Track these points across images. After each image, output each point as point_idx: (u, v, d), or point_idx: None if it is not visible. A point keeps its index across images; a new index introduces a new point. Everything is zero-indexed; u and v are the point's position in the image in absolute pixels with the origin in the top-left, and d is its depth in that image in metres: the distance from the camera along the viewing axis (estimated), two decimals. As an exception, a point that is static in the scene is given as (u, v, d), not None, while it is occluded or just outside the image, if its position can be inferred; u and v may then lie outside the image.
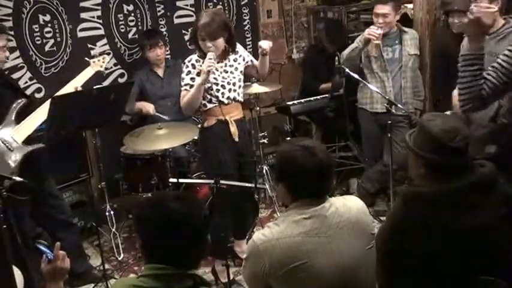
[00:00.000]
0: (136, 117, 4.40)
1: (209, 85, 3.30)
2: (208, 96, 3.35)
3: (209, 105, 3.37)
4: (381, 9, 3.94)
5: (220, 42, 3.29)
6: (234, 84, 3.41)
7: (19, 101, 3.19)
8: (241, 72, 3.48)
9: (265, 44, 3.45)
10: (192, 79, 3.31)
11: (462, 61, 2.48)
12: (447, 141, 1.91)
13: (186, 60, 3.38)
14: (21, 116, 3.17)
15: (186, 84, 3.33)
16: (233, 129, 3.41)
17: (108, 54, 4.47)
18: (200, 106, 3.39)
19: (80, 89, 3.36)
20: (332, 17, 5.29)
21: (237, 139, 3.43)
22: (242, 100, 3.54)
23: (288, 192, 2.05)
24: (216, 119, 3.38)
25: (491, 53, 2.76)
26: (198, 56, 3.35)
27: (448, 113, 3.64)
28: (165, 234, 1.74)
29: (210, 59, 3.21)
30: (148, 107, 4.24)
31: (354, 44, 4.00)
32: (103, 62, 3.55)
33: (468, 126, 2.56)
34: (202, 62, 3.27)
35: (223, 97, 3.38)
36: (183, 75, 3.35)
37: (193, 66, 3.33)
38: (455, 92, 3.46)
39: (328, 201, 2.03)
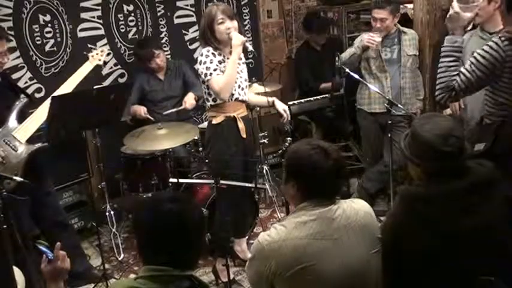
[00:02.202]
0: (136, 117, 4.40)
1: None
2: None
3: (218, 100, 3.34)
4: (378, 13, 3.94)
5: (236, 25, 3.31)
6: (241, 82, 3.43)
7: (20, 100, 3.18)
8: (241, 71, 3.48)
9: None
10: (217, 66, 3.28)
11: (440, 53, 2.65)
12: (441, 146, 1.91)
13: (203, 51, 3.29)
14: (22, 116, 3.17)
15: (215, 70, 3.26)
16: (241, 125, 3.42)
17: (108, 54, 4.48)
18: (209, 99, 3.37)
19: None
20: (332, 17, 5.30)
21: (244, 135, 3.44)
22: (247, 99, 3.55)
23: (298, 192, 2.02)
24: (225, 116, 3.37)
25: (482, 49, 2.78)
26: (212, 48, 3.31)
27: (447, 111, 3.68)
28: (161, 235, 1.73)
29: (238, 34, 3.25)
30: (141, 111, 4.25)
31: (352, 49, 4.01)
32: (101, 56, 3.52)
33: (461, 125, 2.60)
34: (218, 53, 3.29)
35: (235, 91, 3.38)
36: (206, 65, 3.25)
37: (214, 55, 3.29)
38: None
39: (336, 204, 2.02)
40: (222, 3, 3.61)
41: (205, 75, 3.26)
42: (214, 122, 3.38)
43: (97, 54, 3.51)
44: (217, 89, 3.25)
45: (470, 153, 2.36)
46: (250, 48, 3.34)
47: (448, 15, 2.70)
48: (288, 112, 3.54)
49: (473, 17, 2.72)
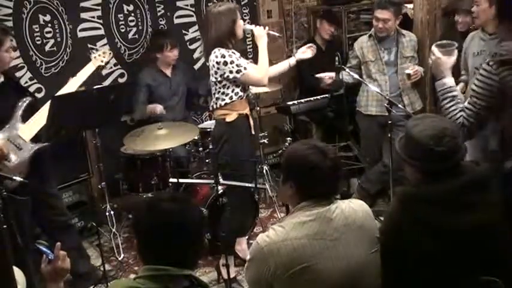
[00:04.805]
0: (136, 117, 4.40)
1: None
2: (236, 89, 3.36)
3: (234, 98, 3.37)
4: (381, 14, 3.95)
5: None
6: None
7: (24, 99, 3.19)
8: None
9: None
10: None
11: (438, 97, 2.65)
12: (434, 146, 1.91)
13: (223, 53, 3.27)
14: (27, 115, 3.17)
15: (247, 63, 3.38)
16: (252, 122, 3.49)
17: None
18: (224, 99, 3.37)
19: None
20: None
21: (253, 132, 3.51)
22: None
23: (296, 193, 2.02)
24: (238, 113, 3.40)
25: (492, 53, 2.78)
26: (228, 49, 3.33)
27: None
28: (160, 235, 1.74)
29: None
30: (157, 108, 4.26)
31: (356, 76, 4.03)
32: (104, 57, 3.50)
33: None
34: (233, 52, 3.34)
35: (248, 89, 3.45)
36: (235, 62, 3.27)
37: (234, 53, 3.33)
38: None
39: (334, 204, 2.02)
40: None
41: (238, 71, 3.29)
42: (228, 119, 3.39)
43: (99, 55, 3.49)
44: (259, 77, 3.38)
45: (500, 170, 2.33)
46: (277, 34, 3.60)
47: (430, 62, 2.70)
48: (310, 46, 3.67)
49: (455, 60, 2.69)
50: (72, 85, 3.33)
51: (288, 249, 1.92)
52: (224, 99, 3.37)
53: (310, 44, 3.70)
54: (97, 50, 3.61)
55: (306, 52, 3.66)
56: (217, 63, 3.29)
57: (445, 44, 2.71)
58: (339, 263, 1.94)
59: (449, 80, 2.61)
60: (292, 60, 3.67)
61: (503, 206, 1.94)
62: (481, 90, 2.43)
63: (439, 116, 2.29)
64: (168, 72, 4.44)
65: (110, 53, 3.57)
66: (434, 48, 2.67)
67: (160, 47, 4.34)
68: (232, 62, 3.27)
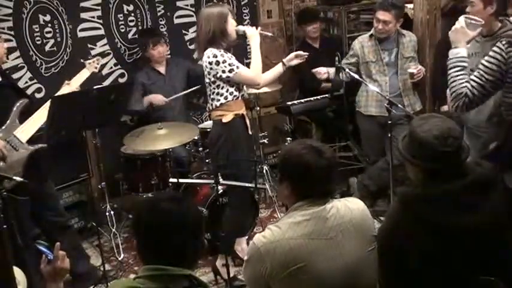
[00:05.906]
0: (136, 117, 4.40)
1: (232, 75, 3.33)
2: (230, 89, 3.36)
3: (229, 98, 3.36)
4: (383, 15, 3.95)
5: None
6: None
7: (21, 101, 3.20)
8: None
9: None
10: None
11: (448, 65, 2.75)
12: (439, 147, 1.91)
13: (215, 52, 3.27)
14: (23, 116, 3.18)
15: (239, 62, 3.38)
16: (248, 122, 3.49)
17: (108, 54, 4.48)
18: (219, 99, 3.36)
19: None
20: (332, 17, 5.30)
21: (250, 132, 3.51)
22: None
23: (292, 192, 2.03)
24: (234, 114, 3.40)
25: (487, 55, 2.83)
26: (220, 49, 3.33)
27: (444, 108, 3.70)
28: (160, 235, 1.74)
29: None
30: (158, 98, 4.26)
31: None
32: (97, 64, 3.57)
33: (461, 127, 2.63)
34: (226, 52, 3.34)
35: (243, 89, 3.46)
36: (228, 62, 3.27)
37: (226, 52, 3.33)
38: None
39: (329, 203, 2.02)
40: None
41: (231, 70, 3.29)
42: (224, 120, 3.38)
43: (93, 62, 3.56)
44: (252, 76, 3.38)
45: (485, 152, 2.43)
46: (269, 33, 3.68)
47: (453, 28, 2.79)
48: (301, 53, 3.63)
49: (475, 35, 2.82)
50: (66, 91, 3.35)
51: (284, 249, 1.92)
52: (219, 100, 3.36)
53: (298, 52, 3.66)
54: (90, 57, 3.65)
55: (293, 60, 3.59)
56: (210, 63, 3.29)
57: (473, 20, 2.82)
58: (335, 262, 1.94)
59: (462, 50, 2.72)
60: (283, 66, 3.63)
61: (504, 206, 1.95)
62: (489, 65, 2.58)
63: (443, 116, 2.31)
64: (162, 69, 4.44)
65: (109, 52, 3.59)
66: (462, 18, 2.79)
67: (144, 46, 4.37)
68: (224, 62, 3.28)
